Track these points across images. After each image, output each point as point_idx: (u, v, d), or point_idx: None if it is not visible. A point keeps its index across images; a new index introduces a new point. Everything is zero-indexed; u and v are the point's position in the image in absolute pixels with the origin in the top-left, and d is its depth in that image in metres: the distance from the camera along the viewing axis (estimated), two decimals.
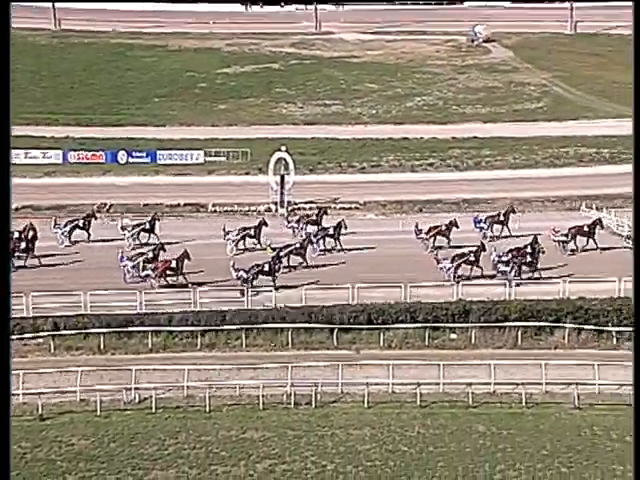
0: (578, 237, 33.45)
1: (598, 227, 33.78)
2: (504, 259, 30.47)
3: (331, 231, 34.07)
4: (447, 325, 28.06)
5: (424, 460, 22.16)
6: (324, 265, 32.30)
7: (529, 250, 31.02)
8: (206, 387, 24.61)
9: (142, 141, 48.07)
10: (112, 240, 33.96)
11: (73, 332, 27.26)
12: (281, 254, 30.92)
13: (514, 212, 35.99)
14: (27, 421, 23.64)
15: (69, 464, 21.82)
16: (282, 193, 40.07)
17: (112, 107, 54.20)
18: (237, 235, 33.59)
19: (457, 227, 34.09)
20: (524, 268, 30.55)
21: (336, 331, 27.83)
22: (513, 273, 30.16)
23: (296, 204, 40.18)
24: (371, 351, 27.25)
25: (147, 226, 34.38)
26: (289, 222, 35.60)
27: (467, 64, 65.23)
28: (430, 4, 78.04)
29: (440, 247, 33.18)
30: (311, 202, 40.45)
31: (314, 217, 35.65)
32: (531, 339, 27.67)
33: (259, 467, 21.95)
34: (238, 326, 27.74)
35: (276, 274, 30.01)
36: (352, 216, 38.68)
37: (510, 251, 30.90)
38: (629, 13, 74.92)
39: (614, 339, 27.51)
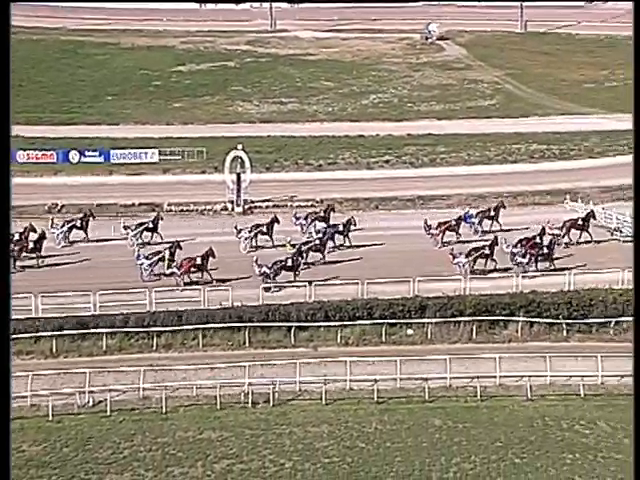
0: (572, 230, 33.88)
1: (592, 219, 34.53)
2: (522, 251, 31.00)
3: (341, 228, 34.39)
4: (404, 321, 28.32)
5: (381, 456, 22.37)
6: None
7: (538, 241, 31.57)
8: (162, 388, 24.41)
9: (95, 140, 47.36)
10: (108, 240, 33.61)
11: (25, 336, 26.75)
12: (302, 249, 31.39)
13: (504, 207, 36.60)
14: None
15: (19, 471, 21.43)
16: (238, 191, 39.92)
17: (62, 105, 53.23)
18: (250, 232, 33.99)
19: (466, 222, 34.86)
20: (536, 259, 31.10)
21: (293, 329, 27.87)
22: (530, 264, 30.79)
23: (253, 202, 40.07)
24: (328, 348, 27.35)
25: (150, 225, 34.59)
26: (297, 219, 35.81)
27: (421, 62, 65.82)
28: (385, 2, 78.49)
29: (447, 243, 33.51)
30: (268, 200, 40.40)
31: (322, 214, 36.01)
32: (486, 333, 28.12)
33: (217, 467, 21.89)
34: (195, 326, 27.59)
35: (298, 269, 30.38)
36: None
37: (519, 242, 31.57)
38: (577, 13, 76.95)
39: (564, 331, 28.09)
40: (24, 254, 31.68)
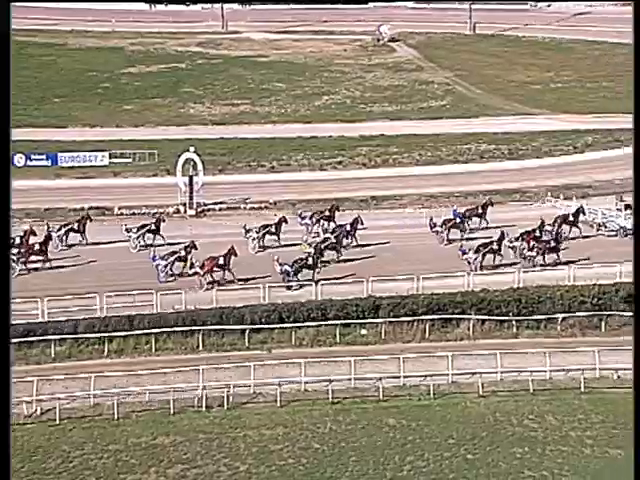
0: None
1: (581, 215, 35.30)
2: (525, 245, 31.60)
3: (348, 227, 34.46)
4: (357, 321, 28.45)
5: (336, 456, 22.41)
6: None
7: (538, 234, 32.19)
8: (114, 394, 24.06)
9: (42, 143, 46.43)
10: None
11: None
12: (322, 247, 31.66)
13: (492, 205, 37.19)
14: None
15: None
16: (191, 194, 39.63)
17: None
18: (258, 233, 34.04)
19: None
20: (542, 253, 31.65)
21: (248, 331, 27.76)
22: (538, 257, 31.42)
23: (206, 205, 39.81)
24: (283, 350, 27.29)
25: (152, 227, 34.48)
26: (302, 219, 35.81)
27: (373, 63, 66.38)
28: (336, 4, 78.84)
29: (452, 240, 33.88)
30: (221, 203, 40.17)
31: (327, 213, 36.10)
32: (438, 332, 28.40)
33: (170, 472, 21.65)
34: (147, 330, 27.26)
35: (317, 267, 30.53)
36: (263, 216, 38.67)
37: (521, 235, 32.22)
38: (523, 15, 78.62)
39: (514, 328, 28.59)
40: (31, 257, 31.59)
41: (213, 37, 71.31)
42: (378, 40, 71.54)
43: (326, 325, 28.20)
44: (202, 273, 30.07)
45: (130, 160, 45.31)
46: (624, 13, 77.35)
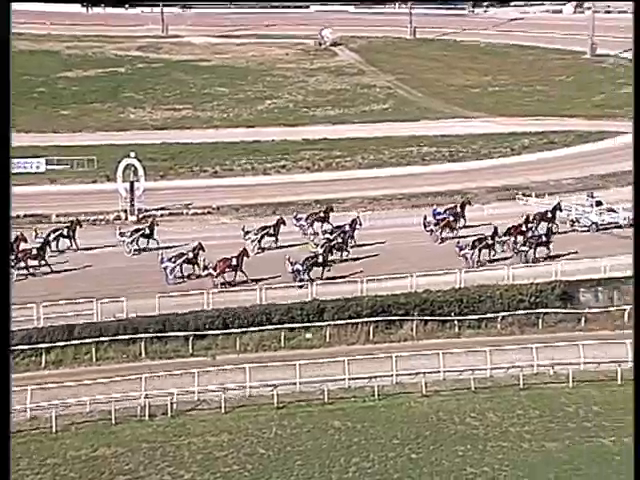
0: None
1: (558, 211, 35.85)
2: (512, 239, 32.22)
3: (347, 228, 34.53)
4: (302, 325, 28.42)
5: (282, 460, 22.36)
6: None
7: (526, 230, 32.74)
8: (52, 407, 23.44)
9: None
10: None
11: None
12: (330, 246, 31.91)
13: (470, 204, 37.85)
14: None
15: None
16: (132, 200, 39.00)
17: None
18: (256, 234, 34.05)
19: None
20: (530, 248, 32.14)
21: (191, 338, 27.45)
22: (531, 253, 31.91)
23: (147, 211, 39.23)
24: (227, 356, 27.12)
25: (147, 231, 34.29)
26: (298, 220, 35.76)
27: (316, 67, 66.60)
28: (277, 8, 78.87)
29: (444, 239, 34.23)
30: (163, 209, 39.65)
31: (321, 214, 36.22)
32: (382, 333, 28.63)
33: None
34: (87, 340, 26.68)
35: (327, 266, 30.53)
36: (206, 221, 38.31)
37: (508, 230, 32.83)
38: (461, 20, 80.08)
39: (456, 327, 29.00)
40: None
41: (153, 41, 70.44)
42: (320, 44, 71.85)
43: (271, 330, 28.10)
44: (215, 275, 29.96)
45: (68, 166, 44.33)
46: (555, 20, 79.95)
